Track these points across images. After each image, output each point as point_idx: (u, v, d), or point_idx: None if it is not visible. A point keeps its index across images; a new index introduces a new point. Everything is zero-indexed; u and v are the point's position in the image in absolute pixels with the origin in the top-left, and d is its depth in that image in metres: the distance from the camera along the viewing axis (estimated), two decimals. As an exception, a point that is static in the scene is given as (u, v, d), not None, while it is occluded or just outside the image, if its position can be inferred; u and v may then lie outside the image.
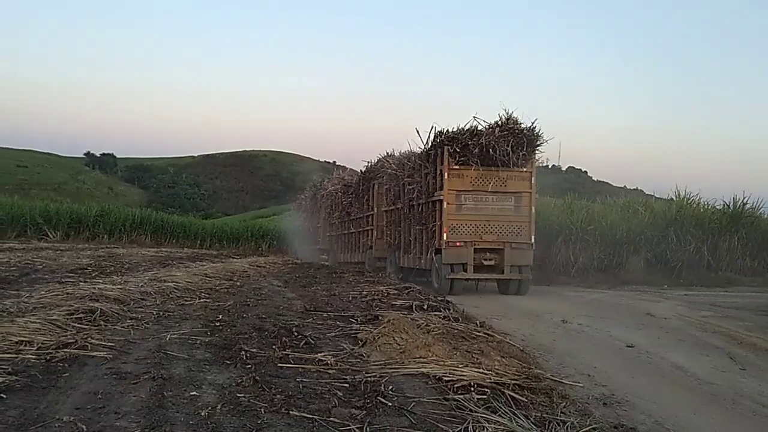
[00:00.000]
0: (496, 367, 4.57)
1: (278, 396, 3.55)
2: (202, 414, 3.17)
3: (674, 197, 20.37)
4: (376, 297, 8.59)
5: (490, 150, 12.41)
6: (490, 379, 4.12)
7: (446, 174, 12.49)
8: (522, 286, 12.70)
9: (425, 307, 7.50)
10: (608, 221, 19.11)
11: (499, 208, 12.72)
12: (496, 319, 8.07)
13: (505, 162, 12.48)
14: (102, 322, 5.43)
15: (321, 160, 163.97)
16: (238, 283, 10.09)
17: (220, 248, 28.78)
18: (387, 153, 17.08)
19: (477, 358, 4.88)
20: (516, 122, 12.72)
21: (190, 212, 57.48)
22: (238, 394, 3.52)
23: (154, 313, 6.24)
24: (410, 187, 14.42)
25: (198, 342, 4.92)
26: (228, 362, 4.28)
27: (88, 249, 17.97)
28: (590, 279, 17.27)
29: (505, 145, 12.43)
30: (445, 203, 12.51)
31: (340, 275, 12.95)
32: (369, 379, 4.02)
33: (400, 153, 16.12)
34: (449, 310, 7.42)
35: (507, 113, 12.78)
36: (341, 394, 3.71)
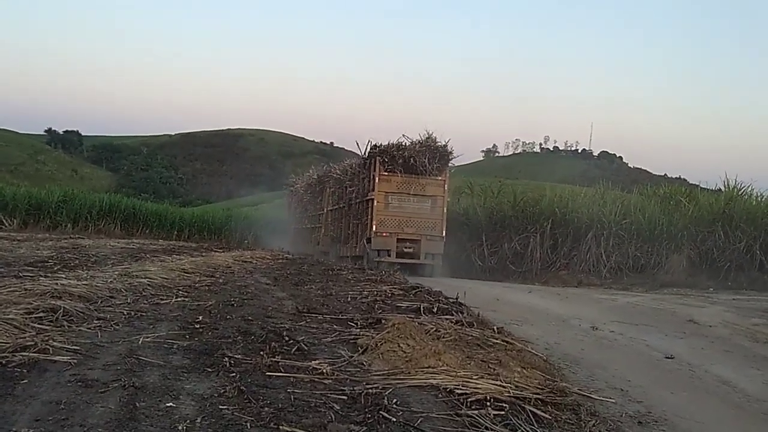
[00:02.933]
0: (516, 379, 4.58)
1: (266, 409, 3.56)
2: (180, 428, 3.17)
3: (723, 188, 20.38)
4: (378, 297, 8.59)
5: (411, 161, 18.03)
6: (508, 392, 4.13)
7: (377, 179, 18.13)
8: (434, 270, 17.99)
9: (435, 309, 7.51)
10: (646, 214, 19.13)
11: (418, 208, 18.40)
12: (516, 325, 8.07)
13: (422, 171, 18.08)
14: (65, 323, 5.43)
15: (317, 141, 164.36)
16: (221, 280, 10.10)
17: (200, 240, 28.84)
18: (403, 134, 20.98)
19: (494, 369, 4.88)
20: (434, 140, 18.39)
21: (165, 199, 57.54)
22: (221, 407, 3.53)
23: (125, 312, 6.24)
24: (351, 189, 20.85)
25: (175, 346, 4.93)
26: (209, 370, 4.29)
27: (49, 239, 18.01)
28: (624, 280, 17.31)
29: (423, 158, 18.03)
30: (375, 201, 18.19)
31: (337, 272, 12.96)
32: (370, 390, 4.02)
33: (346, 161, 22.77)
34: (462, 313, 7.42)
35: (428, 132, 18.57)
36: (338, 407, 3.71)
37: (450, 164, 19.06)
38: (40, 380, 3.80)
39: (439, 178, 18.47)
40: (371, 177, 18.63)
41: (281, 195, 40.81)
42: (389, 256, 17.90)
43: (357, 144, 19.79)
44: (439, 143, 18.43)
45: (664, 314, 10.56)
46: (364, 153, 19.58)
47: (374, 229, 18.13)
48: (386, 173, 18.20)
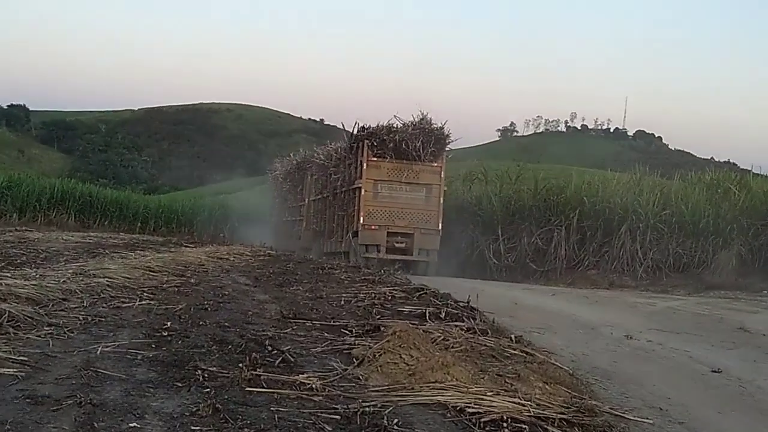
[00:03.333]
0: (537, 395, 4.59)
1: (246, 430, 3.57)
2: (145, 452, 3.18)
3: (780, 173, 20.34)
4: (376, 301, 8.59)
5: (403, 145, 18.54)
6: (528, 411, 4.14)
7: (365, 165, 18.53)
8: (429, 268, 18.31)
9: (443, 315, 7.51)
10: (689, 204, 19.15)
11: (412, 198, 18.87)
12: (537, 333, 8.09)
13: (416, 156, 18.59)
14: (11, 329, 5.43)
15: (305, 117, 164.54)
16: (193, 280, 10.10)
17: (167, 233, 28.86)
18: (395, 115, 21.85)
19: (511, 384, 4.90)
20: (428, 122, 18.95)
21: (127, 185, 57.47)
22: (193, 427, 3.54)
23: (81, 318, 6.24)
24: (335, 176, 21.38)
25: (139, 357, 4.94)
26: (179, 385, 4.30)
27: (-9, 232, 18.01)
28: (663, 281, 17.35)
29: (416, 142, 18.52)
30: (363, 190, 18.56)
31: (328, 272, 12.97)
32: (367, 409, 4.03)
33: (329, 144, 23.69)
34: (475, 319, 7.43)
35: (422, 114, 19.18)
36: (330, 428, 3.73)
37: (447, 149, 19.75)
38: (-19, 396, 3.81)
39: (435, 164, 19.01)
40: (358, 163, 19.08)
41: (263, 181, 40.89)
42: (378, 252, 18.38)
43: (343, 126, 21.12)
44: (435, 125, 19.09)
45: (710, 321, 10.59)
46: (351, 136, 20.35)
47: (361, 221, 18.61)
48: (375, 159, 18.71)
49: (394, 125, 19.05)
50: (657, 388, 5.94)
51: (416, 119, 19.06)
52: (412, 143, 18.49)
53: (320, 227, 23.24)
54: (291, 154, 29.47)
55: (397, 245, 18.55)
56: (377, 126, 19.16)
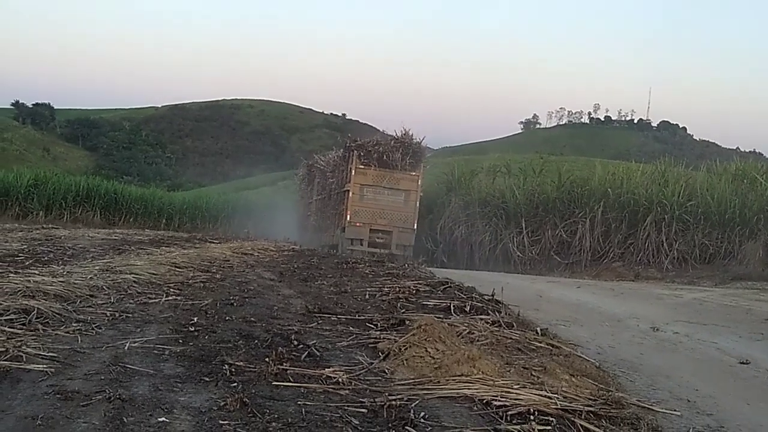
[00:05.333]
0: (564, 388, 4.58)
1: (274, 424, 3.58)
2: (174, 446, 3.20)
3: (807, 162, 20.12)
4: (401, 295, 8.61)
5: (385, 156, 21.80)
6: (555, 404, 4.12)
7: (353, 171, 21.72)
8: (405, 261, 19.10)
9: (467, 308, 7.52)
10: (715, 195, 18.98)
11: (392, 201, 21.86)
12: (562, 326, 8.07)
13: (396, 166, 21.83)
14: (40, 326, 5.47)
15: (326, 112, 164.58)
16: (218, 276, 10.16)
17: (192, 229, 29.06)
18: (383, 130, 27.37)
19: (538, 377, 4.89)
20: (409, 137, 22.58)
21: (152, 182, 57.91)
22: (221, 422, 3.55)
23: (108, 314, 6.29)
24: (331, 180, 25.55)
25: (166, 352, 4.97)
26: (206, 379, 4.32)
27: (18, 230, 18.18)
28: (689, 272, 17.20)
29: (396, 153, 21.88)
30: (351, 193, 21.76)
31: (352, 266, 13.00)
32: (393, 402, 4.03)
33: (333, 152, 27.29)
34: (500, 312, 7.43)
35: (405, 129, 22.91)
36: (357, 422, 3.73)
37: (425, 160, 23.60)
38: (13, 392, 3.84)
39: (413, 173, 22.19)
40: (348, 169, 22.47)
41: (285, 176, 41.19)
42: (361, 245, 21.54)
43: (339, 139, 25.79)
44: (415, 140, 22.71)
45: (738, 312, 10.50)
46: (344, 146, 24.24)
47: (348, 219, 21.86)
48: (362, 166, 21.88)
49: (379, 139, 22.96)
50: (684, 379, 5.90)
51: (399, 134, 22.80)
52: (393, 155, 21.93)
53: (319, 223, 27.26)
54: (314, 155, 31.31)
55: (378, 240, 21.71)
56: (365, 140, 22.93)
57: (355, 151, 22.10)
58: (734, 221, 18.21)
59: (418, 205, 22.03)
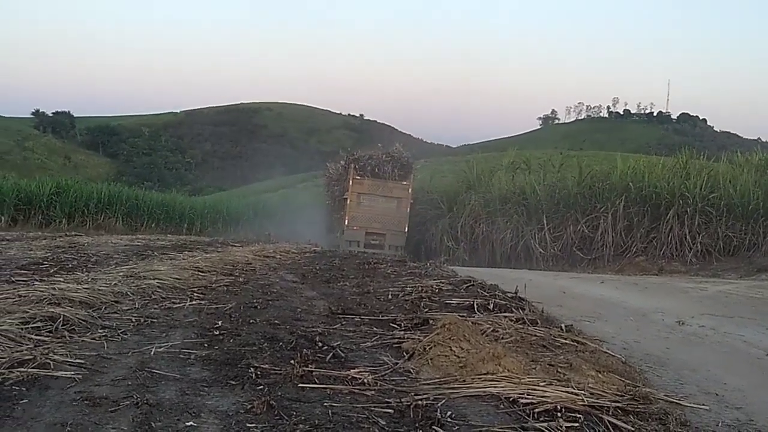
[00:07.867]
0: (590, 384, 4.55)
1: (301, 426, 3.59)
2: (203, 450, 3.22)
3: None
4: (424, 294, 8.60)
5: (376, 169, 25.58)
6: (582, 400, 4.11)
7: (351, 181, 25.50)
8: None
9: (491, 306, 7.50)
10: (737, 187, 18.83)
11: (385, 207, 25.42)
12: (587, 322, 8.03)
13: (386, 177, 25.47)
14: (66, 333, 5.52)
15: (345, 114, 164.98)
16: (241, 279, 10.20)
17: (214, 233, 29.16)
18: (379, 144, 30.17)
19: (564, 374, 4.86)
20: (400, 152, 26.54)
21: (172, 187, 58.02)
22: (248, 425, 3.58)
23: (133, 319, 6.33)
24: (336, 188, 29.20)
25: (192, 357, 5.00)
26: (233, 383, 4.35)
27: (42, 238, 18.29)
28: (714, 265, 17.08)
29: (386, 166, 25.64)
30: (349, 200, 25.47)
31: (374, 266, 13.01)
32: (419, 402, 4.03)
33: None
34: (524, 309, 7.40)
35: (397, 146, 27.15)
36: (384, 422, 3.74)
37: (413, 171, 27.17)
38: (41, 399, 3.87)
39: (404, 182, 25.81)
40: (347, 179, 26.03)
41: (305, 178, 41.54)
42: (359, 246, 24.55)
43: (339, 152, 31.99)
44: (403, 155, 26.47)
45: (764, 304, 10.42)
46: (345, 159, 28.03)
47: (347, 223, 25.45)
48: (358, 177, 25.56)
49: (373, 154, 26.40)
50: (712, 373, 5.86)
51: (390, 150, 26.77)
52: (383, 167, 25.70)
53: (328, 226, 30.81)
54: (327, 164, 34.08)
55: (372, 242, 25.23)
56: (362, 154, 26.72)
57: (352, 164, 25.92)
58: (758, 212, 18.05)
59: (408, 210, 25.64)
